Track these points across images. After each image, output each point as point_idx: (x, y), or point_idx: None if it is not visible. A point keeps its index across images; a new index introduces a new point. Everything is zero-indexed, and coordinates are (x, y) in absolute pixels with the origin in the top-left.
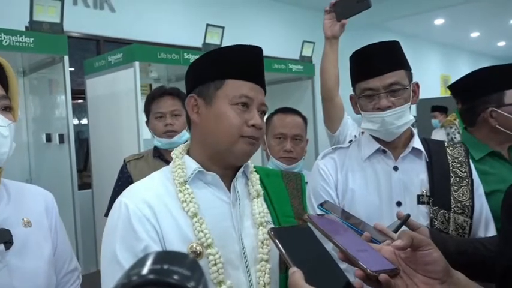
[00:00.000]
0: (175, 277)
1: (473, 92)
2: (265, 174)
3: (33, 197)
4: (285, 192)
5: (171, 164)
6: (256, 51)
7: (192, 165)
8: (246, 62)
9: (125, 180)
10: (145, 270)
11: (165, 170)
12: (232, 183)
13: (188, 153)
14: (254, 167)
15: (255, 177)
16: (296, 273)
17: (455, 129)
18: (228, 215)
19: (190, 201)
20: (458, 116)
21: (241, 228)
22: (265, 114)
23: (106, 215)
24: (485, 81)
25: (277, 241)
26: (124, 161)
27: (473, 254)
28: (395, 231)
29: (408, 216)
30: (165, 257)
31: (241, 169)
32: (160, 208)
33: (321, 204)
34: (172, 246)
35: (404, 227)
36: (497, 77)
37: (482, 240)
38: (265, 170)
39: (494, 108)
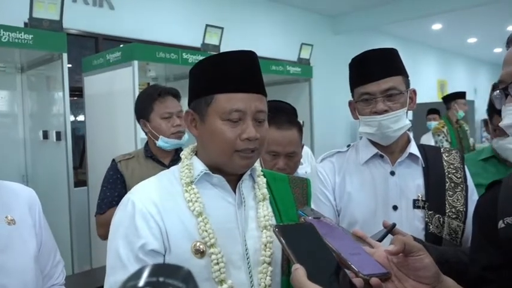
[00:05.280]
0: None
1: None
2: (272, 178)
3: (16, 195)
4: (291, 197)
5: (179, 163)
6: (247, 58)
7: (199, 166)
8: (235, 73)
9: (116, 179)
10: (141, 283)
11: (174, 170)
12: (238, 185)
13: (196, 154)
14: (262, 171)
15: (262, 181)
16: (299, 270)
17: (443, 137)
18: (233, 216)
19: (196, 201)
20: (447, 122)
21: (246, 230)
22: (264, 120)
23: (96, 214)
24: None
25: (281, 238)
26: (114, 160)
27: (455, 263)
28: (381, 239)
29: (394, 225)
30: (161, 269)
31: (248, 172)
32: (166, 206)
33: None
34: (177, 243)
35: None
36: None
37: (464, 249)
38: (272, 174)
39: None
